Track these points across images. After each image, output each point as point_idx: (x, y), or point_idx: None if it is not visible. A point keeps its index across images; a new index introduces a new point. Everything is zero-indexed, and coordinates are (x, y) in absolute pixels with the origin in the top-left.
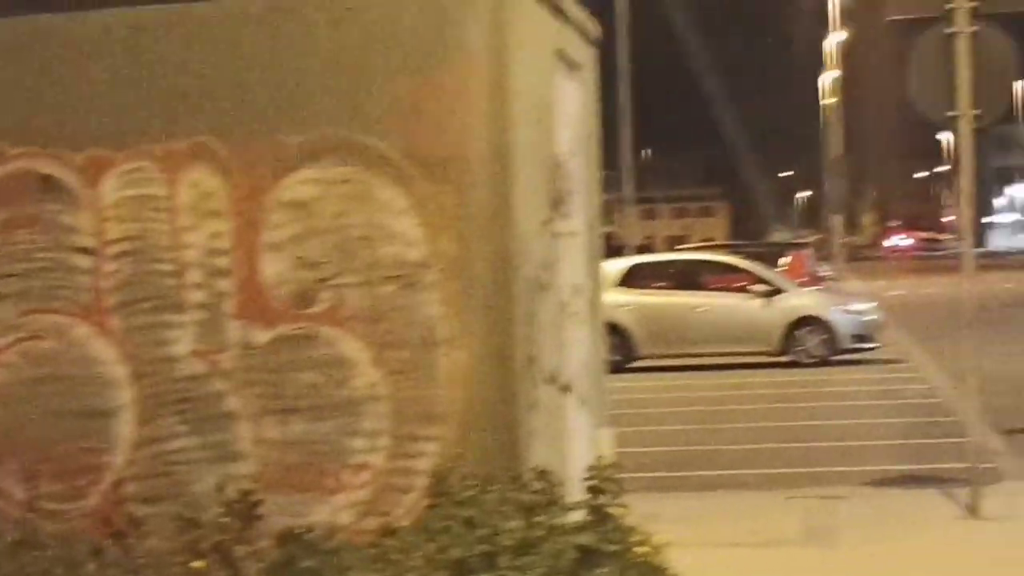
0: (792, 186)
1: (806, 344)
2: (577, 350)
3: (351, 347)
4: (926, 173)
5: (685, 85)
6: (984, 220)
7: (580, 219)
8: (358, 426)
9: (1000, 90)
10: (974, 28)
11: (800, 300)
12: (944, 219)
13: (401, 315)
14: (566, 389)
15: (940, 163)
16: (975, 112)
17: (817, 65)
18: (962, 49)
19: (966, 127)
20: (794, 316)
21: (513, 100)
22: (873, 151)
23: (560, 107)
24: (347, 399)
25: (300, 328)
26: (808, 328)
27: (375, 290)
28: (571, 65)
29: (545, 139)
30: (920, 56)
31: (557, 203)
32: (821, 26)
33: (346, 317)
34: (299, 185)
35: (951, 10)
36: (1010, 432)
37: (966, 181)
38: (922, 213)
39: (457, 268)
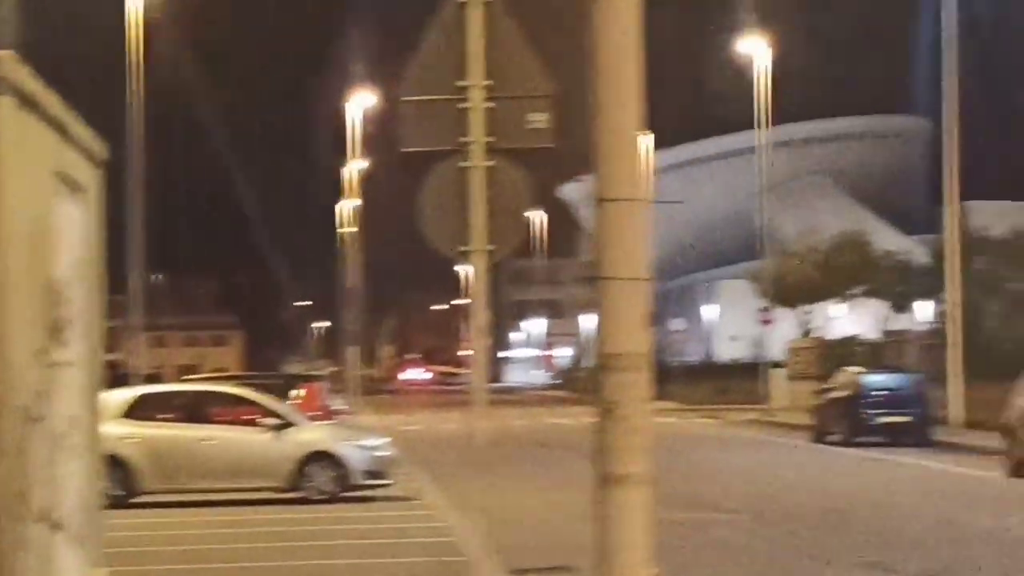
0: (310, 316)
1: (316, 480)
2: (72, 485)
3: None
4: (445, 306)
5: (201, 208)
6: (501, 355)
7: (80, 347)
8: None
9: (514, 224)
10: (489, 163)
11: (311, 434)
12: (462, 352)
13: None
14: (58, 527)
15: (459, 296)
16: (489, 247)
17: (338, 193)
18: (476, 183)
19: (480, 261)
20: (305, 451)
21: (7, 222)
22: (393, 282)
23: (60, 230)
24: None
25: None
26: (319, 463)
27: None
28: (74, 187)
29: (42, 263)
30: (433, 189)
31: (54, 331)
32: (343, 153)
33: None
34: None
35: (465, 144)
36: (520, 572)
37: (479, 315)
38: (441, 346)
39: None
